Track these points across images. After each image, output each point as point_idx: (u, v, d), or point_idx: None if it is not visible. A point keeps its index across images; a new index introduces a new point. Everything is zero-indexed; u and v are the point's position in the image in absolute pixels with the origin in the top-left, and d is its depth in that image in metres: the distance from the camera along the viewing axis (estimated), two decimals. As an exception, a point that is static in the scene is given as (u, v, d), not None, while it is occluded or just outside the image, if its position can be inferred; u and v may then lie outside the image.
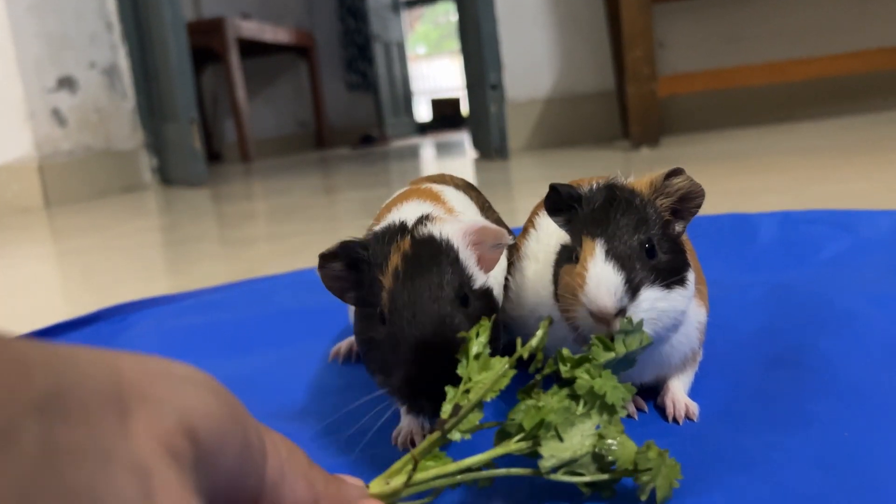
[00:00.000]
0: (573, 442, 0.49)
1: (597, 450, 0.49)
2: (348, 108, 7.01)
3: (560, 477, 0.49)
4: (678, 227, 0.62)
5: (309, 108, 6.72)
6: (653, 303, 0.56)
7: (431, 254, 0.59)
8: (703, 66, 3.61)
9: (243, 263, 1.64)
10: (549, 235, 0.70)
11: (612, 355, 0.54)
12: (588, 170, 2.61)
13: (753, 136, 3.16)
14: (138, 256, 1.91)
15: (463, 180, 0.89)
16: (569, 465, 0.49)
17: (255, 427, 0.36)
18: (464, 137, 5.66)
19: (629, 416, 0.65)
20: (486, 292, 0.61)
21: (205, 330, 1.01)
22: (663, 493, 0.48)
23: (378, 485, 0.47)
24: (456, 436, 0.49)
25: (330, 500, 0.41)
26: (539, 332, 0.53)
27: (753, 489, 0.51)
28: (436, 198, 0.76)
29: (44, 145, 3.26)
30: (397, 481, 0.47)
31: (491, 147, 3.42)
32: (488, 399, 0.50)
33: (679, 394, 0.65)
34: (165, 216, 2.79)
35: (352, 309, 0.68)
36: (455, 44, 9.24)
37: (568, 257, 0.61)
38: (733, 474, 0.53)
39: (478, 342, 0.53)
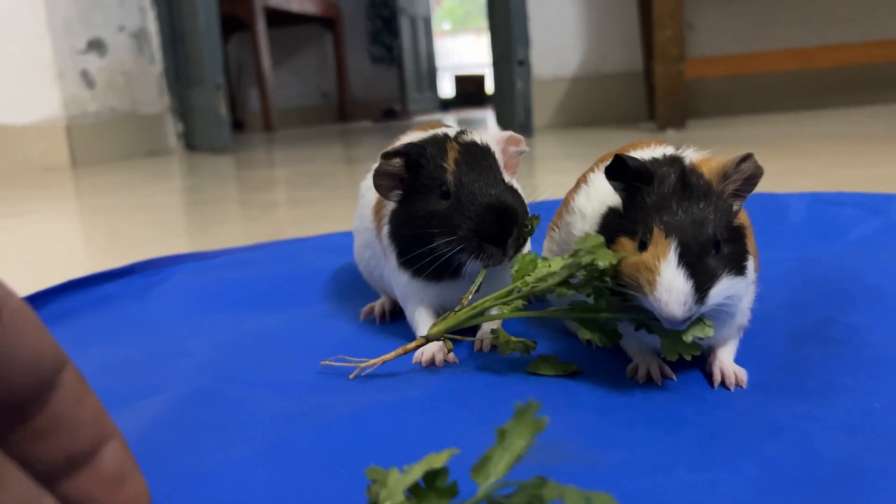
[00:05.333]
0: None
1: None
2: (372, 82, 6.99)
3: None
4: (736, 207, 0.63)
5: (332, 79, 6.72)
6: (720, 295, 0.58)
7: (479, 152, 0.75)
8: (731, 50, 3.57)
9: (266, 226, 1.66)
10: (599, 193, 0.70)
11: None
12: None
13: (780, 121, 3.14)
14: (161, 216, 1.94)
15: None
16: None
17: None
18: (487, 115, 5.64)
19: (653, 381, 0.66)
20: (513, 188, 0.75)
21: (237, 285, 1.03)
22: None
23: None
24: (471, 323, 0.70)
25: None
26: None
27: (784, 456, 0.51)
28: None
29: (71, 106, 3.28)
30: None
31: (515, 123, 3.41)
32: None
33: (727, 361, 0.66)
34: (189, 179, 2.82)
35: (359, 249, 0.90)
36: (480, 21, 9.18)
37: (625, 229, 0.62)
38: (763, 442, 0.53)
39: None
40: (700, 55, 3.56)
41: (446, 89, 8.42)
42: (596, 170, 0.75)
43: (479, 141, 0.76)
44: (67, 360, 0.35)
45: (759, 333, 0.75)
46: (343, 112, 6.66)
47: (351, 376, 0.70)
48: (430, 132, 0.79)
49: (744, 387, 0.63)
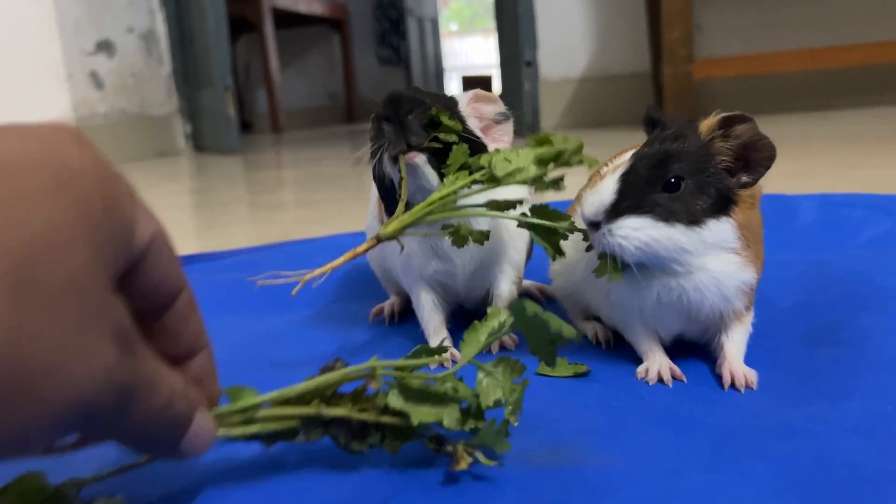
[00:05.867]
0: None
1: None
2: (379, 83, 6.98)
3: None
4: (745, 178, 0.63)
5: (340, 80, 6.72)
6: (629, 231, 0.60)
7: (434, 93, 0.70)
8: (740, 50, 3.56)
9: (275, 227, 1.66)
10: None
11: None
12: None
13: (789, 122, 3.12)
14: (170, 217, 1.94)
15: None
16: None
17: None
18: (494, 115, 5.62)
19: (663, 382, 0.66)
20: (478, 140, 0.70)
21: (246, 286, 1.03)
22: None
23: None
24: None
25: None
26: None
27: (796, 458, 0.51)
28: None
29: (81, 107, 3.29)
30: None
31: (523, 125, 3.41)
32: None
33: (736, 362, 0.66)
34: (197, 180, 2.82)
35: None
36: (488, 21, 9.17)
37: None
38: (775, 445, 0.53)
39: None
40: (708, 56, 3.55)
41: (454, 90, 8.40)
42: (609, 164, 0.76)
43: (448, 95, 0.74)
44: (185, 285, 0.46)
45: (769, 335, 0.74)
46: (350, 113, 6.67)
47: (293, 292, 0.68)
48: None
49: (754, 388, 0.63)
